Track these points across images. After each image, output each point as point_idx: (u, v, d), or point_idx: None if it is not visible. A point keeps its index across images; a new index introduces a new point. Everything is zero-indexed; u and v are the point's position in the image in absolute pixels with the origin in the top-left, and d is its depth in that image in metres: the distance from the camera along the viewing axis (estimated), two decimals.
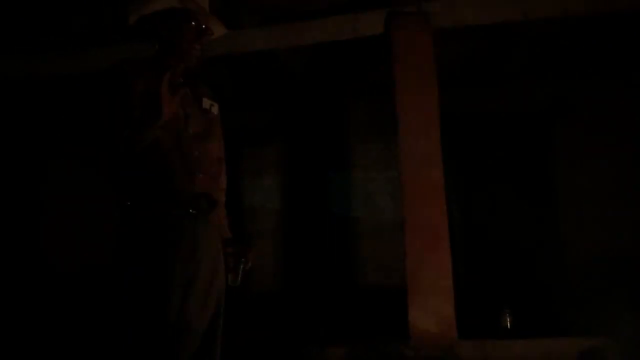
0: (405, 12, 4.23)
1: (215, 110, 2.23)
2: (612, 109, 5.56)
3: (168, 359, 1.93)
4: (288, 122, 6.28)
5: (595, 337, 3.93)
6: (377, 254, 5.81)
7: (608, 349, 3.82)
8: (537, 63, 5.47)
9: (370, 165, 6.04)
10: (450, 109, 4.80)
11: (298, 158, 6.29)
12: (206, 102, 2.20)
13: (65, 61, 4.99)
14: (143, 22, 2.11)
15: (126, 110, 1.96)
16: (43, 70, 5.06)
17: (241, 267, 2.20)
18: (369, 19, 4.33)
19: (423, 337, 3.88)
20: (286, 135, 6.34)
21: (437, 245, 4.02)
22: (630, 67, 5.39)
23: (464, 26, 4.32)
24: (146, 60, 2.12)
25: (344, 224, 6.04)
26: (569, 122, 5.70)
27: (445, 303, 3.91)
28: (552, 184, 5.79)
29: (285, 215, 6.26)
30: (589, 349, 3.84)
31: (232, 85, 5.69)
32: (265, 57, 5.01)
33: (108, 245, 2.14)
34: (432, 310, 3.91)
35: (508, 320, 4.46)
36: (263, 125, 6.11)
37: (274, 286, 6.00)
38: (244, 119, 5.92)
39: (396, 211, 4.31)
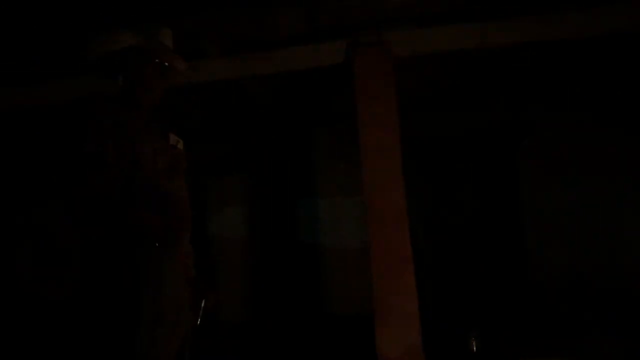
0: (365, 42, 4.30)
1: (180, 146, 2.25)
2: (572, 131, 5.71)
3: None
4: (252, 151, 6.29)
5: (561, 359, 3.96)
6: (344, 281, 5.80)
7: None
8: (499, 88, 5.59)
9: (336, 191, 6.06)
10: (415, 133, 4.88)
11: (263, 187, 6.28)
12: (173, 138, 2.22)
13: (25, 94, 4.93)
14: (103, 61, 2.13)
15: (97, 151, 1.98)
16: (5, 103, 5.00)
17: (202, 306, 2.19)
18: (330, 49, 4.38)
19: None
20: (251, 165, 6.33)
21: (403, 270, 4.03)
22: (588, 91, 5.55)
23: (424, 54, 4.40)
24: (112, 98, 2.13)
25: (311, 252, 6.02)
26: (531, 144, 5.82)
27: (412, 329, 3.90)
28: (516, 206, 5.88)
29: (251, 245, 6.22)
30: None
31: (196, 115, 5.68)
32: (229, 87, 5.03)
33: (77, 277, 2.12)
34: (398, 337, 3.90)
35: (474, 344, 4.47)
36: (227, 154, 6.11)
37: (241, 316, 5.92)
38: (209, 149, 5.90)
39: (362, 236, 4.31)
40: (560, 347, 4.41)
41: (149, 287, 1.98)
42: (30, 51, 4.61)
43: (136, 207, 2.03)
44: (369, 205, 4.15)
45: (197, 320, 2.19)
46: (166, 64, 2.15)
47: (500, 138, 5.94)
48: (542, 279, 5.51)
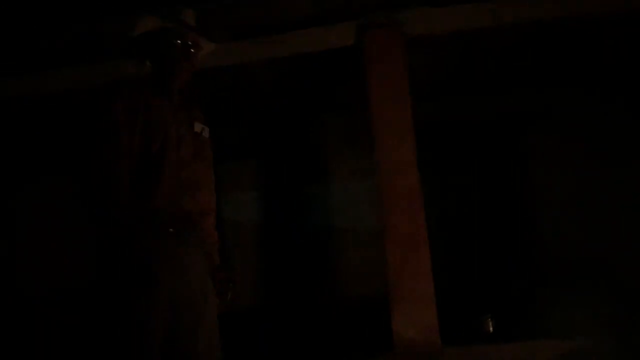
0: (375, 23, 4.26)
1: (206, 133, 2.26)
2: (583, 116, 5.65)
3: None
4: (264, 136, 6.26)
5: (576, 339, 3.96)
6: (358, 264, 5.79)
7: (590, 350, 3.85)
8: (510, 71, 5.51)
9: (348, 175, 6.04)
10: (426, 117, 4.83)
11: (275, 171, 6.28)
12: (198, 126, 2.23)
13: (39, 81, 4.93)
14: (132, 45, 2.14)
15: (124, 120, 1.99)
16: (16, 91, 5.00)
17: (230, 292, 2.19)
18: (340, 31, 4.35)
19: (407, 346, 3.88)
20: (263, 149, 6.32)
21: (417, 253, 4.03)
22: (600, 76, 5.48)
23: (435, 34, 4.35)
24: (140, 82, 2.13)
25: (324, 235, 6.02)
26: (543, 128, 5.78)
27: (428, 310, 3.91)
28: (528, 189, 5.85)
29: (264, 229, 6.23)
30: (572, 350, 3.87)
31: (207, 100, 5.65)
32: (239, 72, 5.00)
33: (88, 268, 2.10)
34: (414, 319, 3.91)
35: (490, 324, 4.47)
36: (239, 139, 6.08)
37: (255, 300, 5.94)
38: (220, 134, 5.87)
39: (375, 220, 4.31)
40: (574, 325, 4.42)
41: (166, 277, 1.95)
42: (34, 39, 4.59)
43: (152, 190, 2.01)
44: (383, 187, 4.14)
45: (222, 309, 2.18)
46: (190, 43, 2.14)
47: (512, 121, 5.89)
48: (555, 260, 5.49)
